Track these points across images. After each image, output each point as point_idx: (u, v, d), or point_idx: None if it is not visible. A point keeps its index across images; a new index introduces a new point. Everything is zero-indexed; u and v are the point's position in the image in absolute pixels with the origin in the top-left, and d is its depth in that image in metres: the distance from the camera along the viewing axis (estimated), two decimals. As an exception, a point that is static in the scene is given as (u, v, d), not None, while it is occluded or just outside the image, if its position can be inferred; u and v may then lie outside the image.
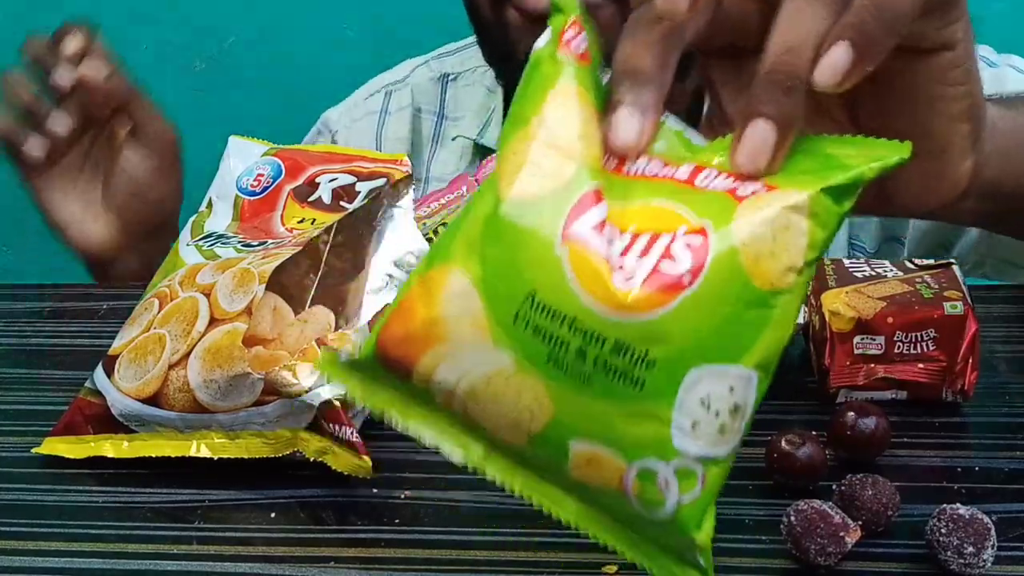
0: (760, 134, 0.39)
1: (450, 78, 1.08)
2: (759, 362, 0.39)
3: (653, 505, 0.40)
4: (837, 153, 0.40)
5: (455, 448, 0.42)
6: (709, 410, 0.39)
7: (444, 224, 0.77)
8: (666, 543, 0.42)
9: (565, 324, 0.38)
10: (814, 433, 0.58)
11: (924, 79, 0.44)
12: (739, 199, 0.39)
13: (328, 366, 0.43)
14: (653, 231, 0.38)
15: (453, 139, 1.04)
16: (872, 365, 0.65)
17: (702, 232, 0.38)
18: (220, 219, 0.75)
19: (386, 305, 0.41)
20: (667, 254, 0.38)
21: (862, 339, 0.65)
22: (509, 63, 0.92)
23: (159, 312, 0.65)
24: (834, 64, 0.39)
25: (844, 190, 0.39)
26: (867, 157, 0.39)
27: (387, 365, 0.41)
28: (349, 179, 0.74)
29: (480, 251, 0.39)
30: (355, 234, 0.68)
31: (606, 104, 0.41)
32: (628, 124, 0.41)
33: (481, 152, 1.02)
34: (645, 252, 0.38)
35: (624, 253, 0.38)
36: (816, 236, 0.39)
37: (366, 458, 0.58)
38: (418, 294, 0.40)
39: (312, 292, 0.64)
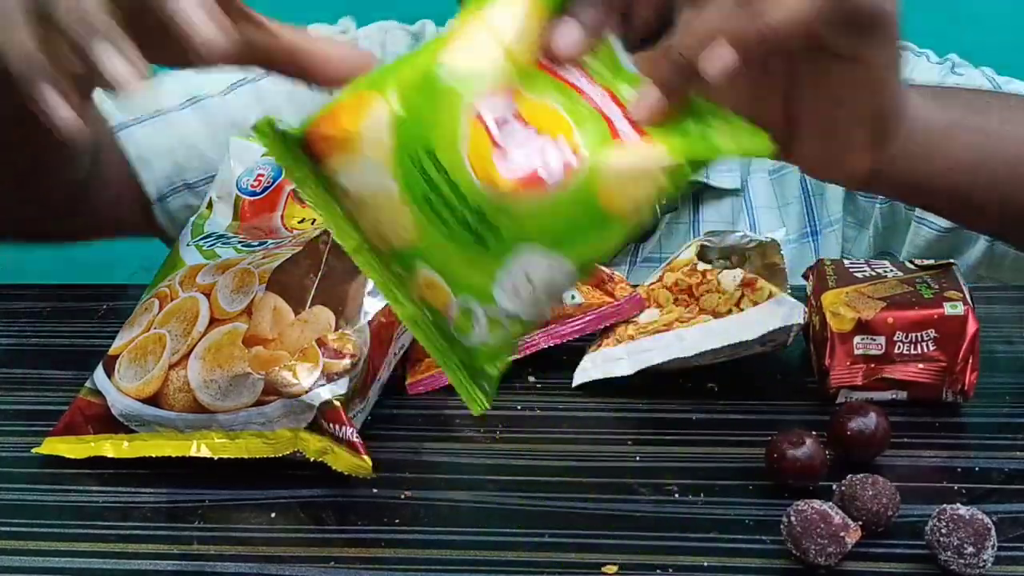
0: (651, 94, 0.47)
1: None
2: (580, 262, 0.48)
3: (464, 332, 0.51)
4: (712, 128, 0.47)
5: (337, 232, 0.51)
6: (529, 282, 0.48)
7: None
8: (469, 364, 0.53)
9: (446, 181, 0.46)
10: (814, 433, 0.58)
11: (833, 80, 0.51)
12: (617, 136, 0.46)
13: (264, 128, 0.49)
14: (544, 132, 0.46)
15: None
16: (872, 365, 0.65)
17: (576, 151, 0.46)
18: (220, 219, 0.75)
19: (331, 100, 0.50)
20: (543, 159, 0.45)
21: (862, 339, 0.65)
22: None
23: (159, 312, 0.65)
24: (715, 59, 0.46)
25: (703, 163, 0.48)
26: (734, 141, 0.47)
27: (306, 149, 0.49)
28: (349, 179, 0.75)
29: (406, 95, 0.47)
30: (355, 234, 0.68)
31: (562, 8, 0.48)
32: (569, 35, 0.47)
33: None
34: (530, 151, 0.46)
35: (514, 144, 0.46)
36: (666, 189, 0.46)
37: (366, 458, 0.58)
38: (348, 106, 0.48)
39: (312, 292, 0.64)
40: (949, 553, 0.50)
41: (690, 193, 1.00)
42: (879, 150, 0.53)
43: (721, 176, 0.93)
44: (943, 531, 0.50)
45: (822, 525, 0.51)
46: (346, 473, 0.59)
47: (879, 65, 0.50)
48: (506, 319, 0.49)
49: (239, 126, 0.94)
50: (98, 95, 0.56)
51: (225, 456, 0.61)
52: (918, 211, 0.90)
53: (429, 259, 0.49)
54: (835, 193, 0.94)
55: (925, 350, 0.64)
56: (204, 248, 0.70)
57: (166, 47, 0.50)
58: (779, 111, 0.53)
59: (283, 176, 0.75)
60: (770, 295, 0.69)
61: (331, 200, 0.50)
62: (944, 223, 0.88)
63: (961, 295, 0.65)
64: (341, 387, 0.60)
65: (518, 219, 0.46)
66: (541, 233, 0.47)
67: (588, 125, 0.46)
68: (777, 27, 0.46)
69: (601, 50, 0.48)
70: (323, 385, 0.60)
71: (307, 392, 0.60)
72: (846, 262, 0.71)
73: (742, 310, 0.69)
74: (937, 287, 0.66)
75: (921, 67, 0.95)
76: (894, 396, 0.66)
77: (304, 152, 0.49)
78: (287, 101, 0.96)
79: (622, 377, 0.69)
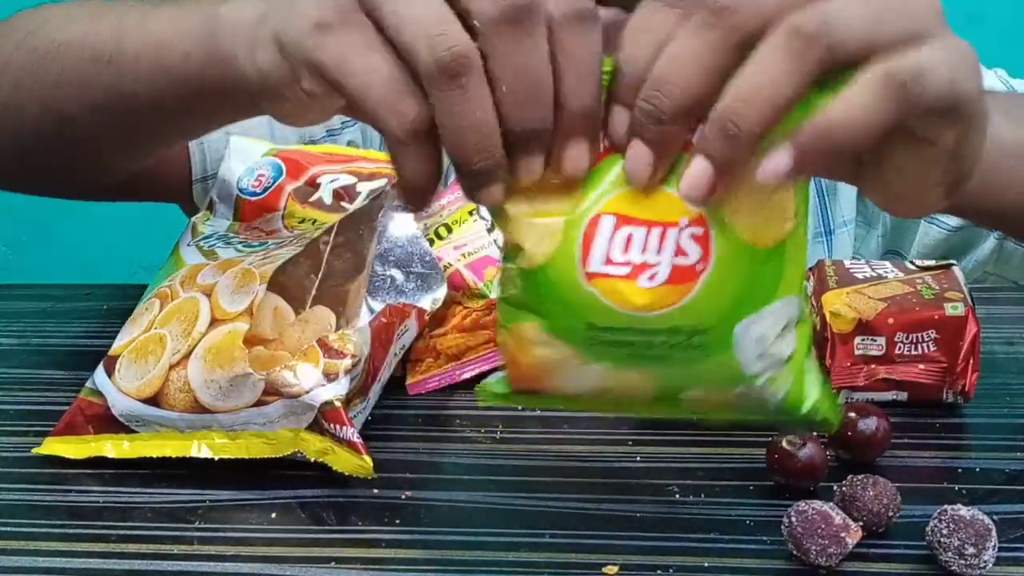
0: (700, 169, 0.43)
1: None
2: (789, 291, 0.46)
3: (761, 407, 0.48)
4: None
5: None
6: (765, 341, 0.46)
7: (445, 224, 0.77)
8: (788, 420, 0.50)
9: (625, 333, 0.45)
10: (815, 434, 0.58)
11: (909, 158, 0.45)
12: None
13: (489, 396, 0.50)
14: (663, 223, 0.44)
15: None
16: (873, 366, 0.65)
17: (701, 222, 0.44)
18: (221, 220, 0.75)
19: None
20: (678, 250, 0.44)
21: (863, 340, 0.65)
22: None
23: (160, 312, 0.65)
24: (775, 163, 0.42)
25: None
26: None
27: (526, 395, 0.49)
28: (350, 179, 0.75)
29: (537, 309, 0.46)
30: (356, 235, 0.68)
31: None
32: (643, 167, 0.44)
33: None
34: (660, 249, 0.44)
35: (644, 251, 0.44)
36: (801, 186, 0.45)
37: (367, 458, 0.58)
38: (514, 347, 0.48)
39: (313, 292, 0.64)
40: (950, 554, 0.50)
41: None
42: (955, 192, 0.48)
43: None
44: (944, 532, 0.50)
45: (823, 526, 0.51)
46: (346, 473, 0.59)
47: (961, 147, 0.45)
48: (778, 367, 0.47)
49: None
50: None
51: (225, 456, 0.61)
52: None
53: (683, 387, 0.47)
54: (848, 193, 0.94)
55: (926, 351, 0.64)
56: (204, 248, 0.70)
57: None
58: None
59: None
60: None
61: (578, 400, 0.49)
62: (954, 221, 0.88)
63: (962, 296, 0.65)
64: (341, 387, 0.60)
65: (701, 312, 0.45)
66: (732, 307, 0.45)
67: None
68: (845, 131, 0.42)
69: None
70: (323, 385, 0.60)
71: (307, 392, 0.60)
72: (846, 263, 0.71)
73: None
74: (938, 288, 0.66)
75: None
76: (895, 397, 0.66)
77: (528, 397, 0.50)
78: None
79: (622, 377, 0.69)
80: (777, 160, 0.42)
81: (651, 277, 0.44)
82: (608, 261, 0.44)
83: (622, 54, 0.44)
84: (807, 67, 0.41)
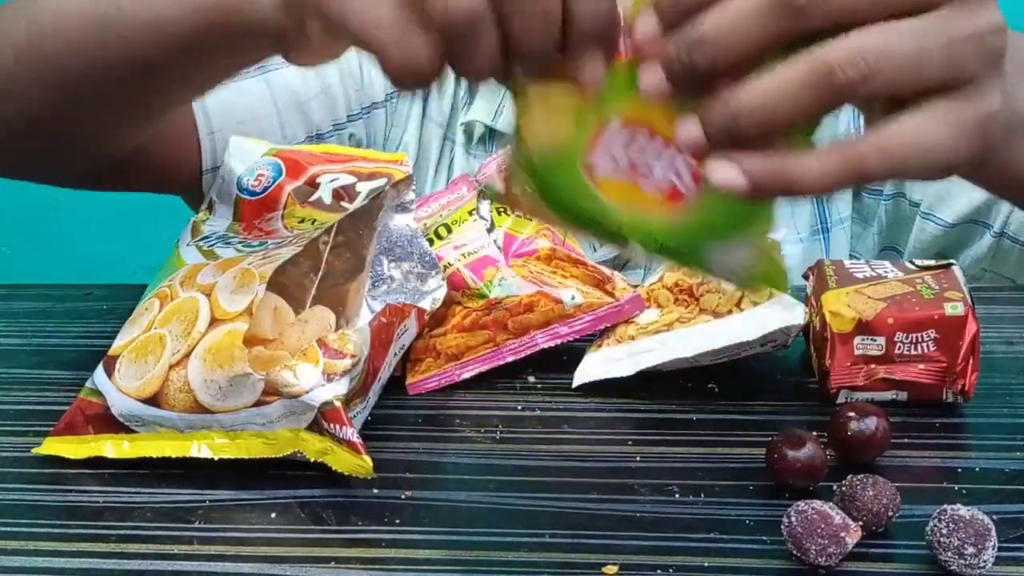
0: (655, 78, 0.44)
1: None
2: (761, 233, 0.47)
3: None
4: None
5: None
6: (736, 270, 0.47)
7: (445, 224, 0.77)
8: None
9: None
10: (814, 434, 0.58)
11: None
12: None
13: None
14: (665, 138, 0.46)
15: (463, 125, 1.02)
16: (872, 366, 0.65)
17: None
18: (221, 219, 0.75)
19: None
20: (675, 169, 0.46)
21: (863, 340, 0.65)
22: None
23: (159, 312, 0.65)
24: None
25: None
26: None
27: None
28: (350, 179, 0.75)
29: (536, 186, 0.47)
30: (355, 234, 0.68)
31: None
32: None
33: (493, 135, 1.01)
34: (666, 165, 0.46)
35: (650, 160, 0.46)
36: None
37: (367, 458, 0.58)
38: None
39: (313, 292, 0.64)
40: (949, 553, 0.50)
41: None
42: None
43: None
44: (943, 531, 0.50)
45: (822, 525, 0.51)
46: (346, 473, 0.59)
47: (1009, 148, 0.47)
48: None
49: (299, 101, 0.93)
50: None
51: (225, 456, 0.61)
52: (923, 207, 0.90)
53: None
54: (844, 191, 0.94)
55: (925, 350, 0.64)
56: (204, 248, 0.70)
57: None
58: None
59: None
60: (770, 295, 0.69)
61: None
62: (950, 218, 0.88)
63: (961, 295, 0.65)
64: (341, 387, 0.60)
65: (689, 231, 0.46)
66: (712, 232, 0.46)
67: None
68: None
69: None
70: (323, 385, 0.60)
71: (307, 392, 0.60)
72: (846, 263, 0.71)
73: (742, 310, 0.69)
74: (937, 287, 0.66)
75: None
76: (894, 396, 0.66)
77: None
78: (339, 80, 0.96)
79: (622, 377, 0.69)
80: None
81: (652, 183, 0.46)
82: (612, 159, 0.45)
83: None
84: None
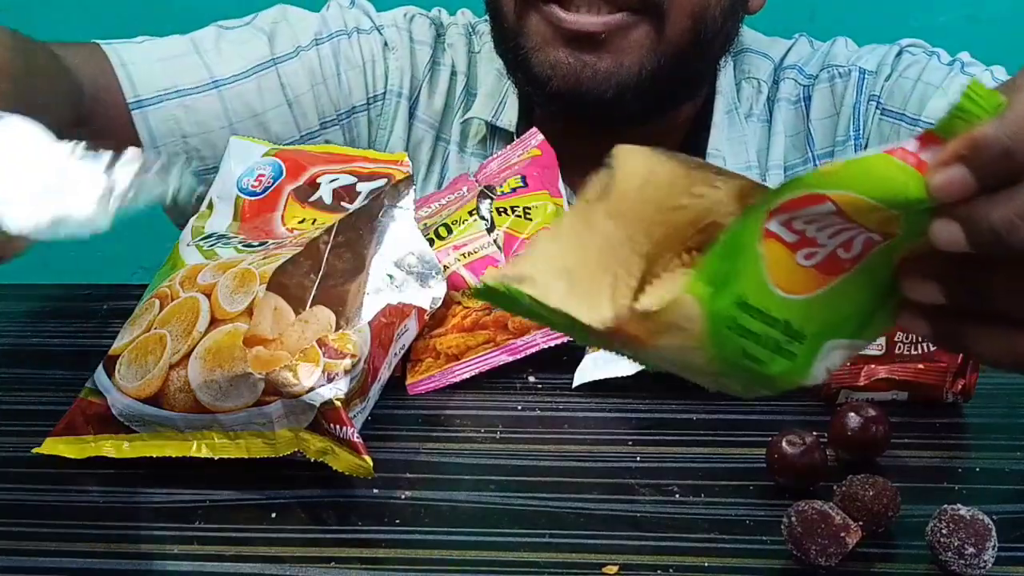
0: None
1: (476, 31, 1.04)
2: (876, 335, 0.45)
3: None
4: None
5: None
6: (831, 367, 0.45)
7: (445, 224, 0.77)
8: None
9: (760, 318, 0.43)
10: (815, 434, 0.58)
11: None
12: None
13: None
14: (846, 220, 0.41)
15: (462, 123, 1.02)
16: (873, 366, 0.65)
17: (889, 236, 0.41)
18: (221, 219, 0.75)
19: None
20: (847, 244, 0.41)
21: (863, 340, 0.65)
22: (524, 73, 0.91)
23: (160, 312, 0.65)
24: None
25: None
26: None
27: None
28: (350, 179, 0.75)
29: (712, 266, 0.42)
30: (356, 234, 0.68)
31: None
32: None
33: (494, 133, 1.01)
34: (835, 235, 0.41)
35: (822, 229, 0.41)
36: None
37: (367, 458, 0.58)
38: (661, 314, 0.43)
39: (313, 292, 0.64)
40: (950, 553, 0.50)
41: None
42: None
43: None
44: (944, 531, 0.50)
45: (823, 525, 0.51)
46: (346, 473, 0.59)
47: None
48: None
49: (257, 117, 0.93)
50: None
51: (225, 456, 0.61)
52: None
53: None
54: None
55: (926, 350, 0.64)
56: (204, 248, 0.70)
57: None
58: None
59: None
60: None
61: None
62: None
63: (961, 295, 0.65)
64: (341, 387, 0.60)
65: (820, 312, 0.43)
66: (843, 322, 0.43)
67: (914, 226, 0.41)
68: None
69: None
70: (323, 385, 0.60)
71: (307, 392, 0.59)
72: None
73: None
74: (937, 287, 0.66)
75: (932, 68, 0.95)
76: (894, 396, 0.66)
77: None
78: (309, 88, 0.96)
79: (622, 377, 0.69)
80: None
81: (808, 256, 0.42)
82: (787, 224, 0.41)
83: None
84: None
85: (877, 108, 0.97)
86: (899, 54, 0.99)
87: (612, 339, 0.44)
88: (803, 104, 1.01)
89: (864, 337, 0.45)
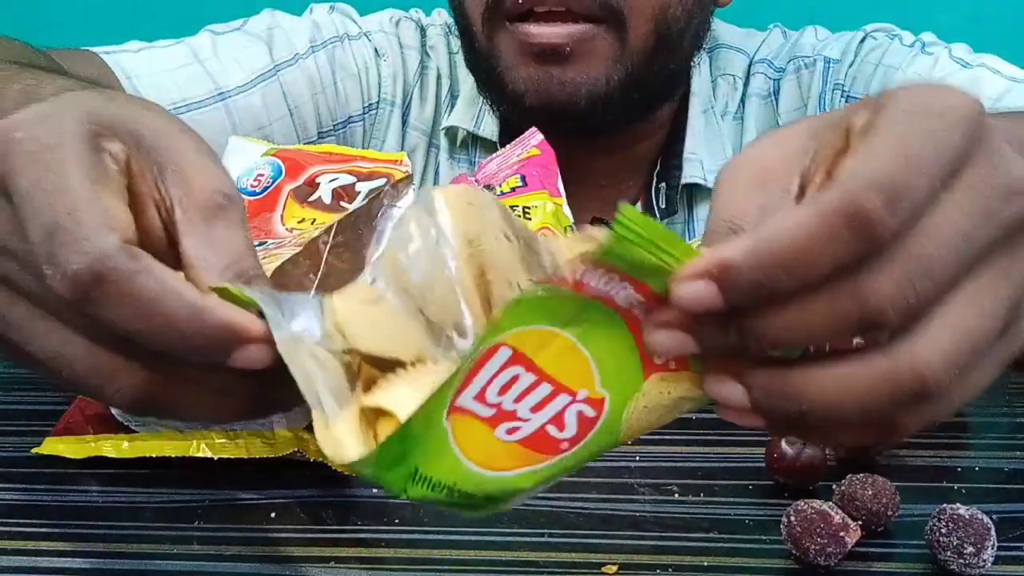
0: (683, 344, 0.37)
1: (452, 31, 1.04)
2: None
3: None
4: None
5: None
6: None
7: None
8: None
9: (445, 489, 0.38)
10: (814, 433, 0.58)
11: None
12: (650, 370, 0.38)
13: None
14: (556, 383, 0.37)
15: (445, 129, 1.02)
16: (872, 365, 0.65)
17: (599, 404, 0.38)
18: (220, 219, 0.75)
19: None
20: (556, 419, 0.38)
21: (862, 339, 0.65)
22: (499, 92, 0.91)
23: (159, 312, 0.65)
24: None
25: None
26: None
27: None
28: (349, 179, 0.75)
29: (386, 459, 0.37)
30: (355, 234, 0.68)
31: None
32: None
33: (476, 141, 1.00)
34: (538, 407, 0.37)
35: (519, 399, 0.37)
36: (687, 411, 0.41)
37: (366, 458, 0.58)
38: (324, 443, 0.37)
39: (312, 292, 0.64)
40: (949, 553, 0.50)
41: (684, 194, 1.01)
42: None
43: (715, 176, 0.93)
44: (943, 531, 0.50)
45: (822, 525, 0.51)
46: (346, 473, 0.59)
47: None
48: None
49: (263, 129, 0.93)
50: None
51: (225, 456, 0.61)
52: None
53: None
54: None
55: (925, 350, 0.64)
56: (204, 248, 0.70)
57: None
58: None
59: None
60: None
61: None
62: None
63: (961, 295, 0.65)
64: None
65: (523, 491, 0.39)
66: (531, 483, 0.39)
67: (611, 361, 0.38)
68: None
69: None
70: (323, 385, 0.60)
71: (307, 392, 0.59)
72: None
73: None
74: (937, 287, 0.66)
75: (893, 50, 0.95)
76: (894, 396, 0.66)
77: None
78: (310, 98, 0.95)
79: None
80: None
81: (511, 430, 0.38)
82: (480, 397, 0.37)
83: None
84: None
85: (843, 96, 0.97)
86: (863, 40, 0.99)
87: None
88: (773, 99, 1.01)
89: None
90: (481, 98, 0.98)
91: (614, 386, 0.38)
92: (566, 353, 0.37)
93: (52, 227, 0.36)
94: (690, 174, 0.97)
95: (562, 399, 0.37)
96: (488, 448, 0.38)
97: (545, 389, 0.37)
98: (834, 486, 0.55)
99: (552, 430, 0.38)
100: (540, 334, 0.36)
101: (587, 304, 0.36)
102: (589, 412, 0.38)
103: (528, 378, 0.37)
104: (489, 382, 0.37)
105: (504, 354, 0.36)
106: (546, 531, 0.56)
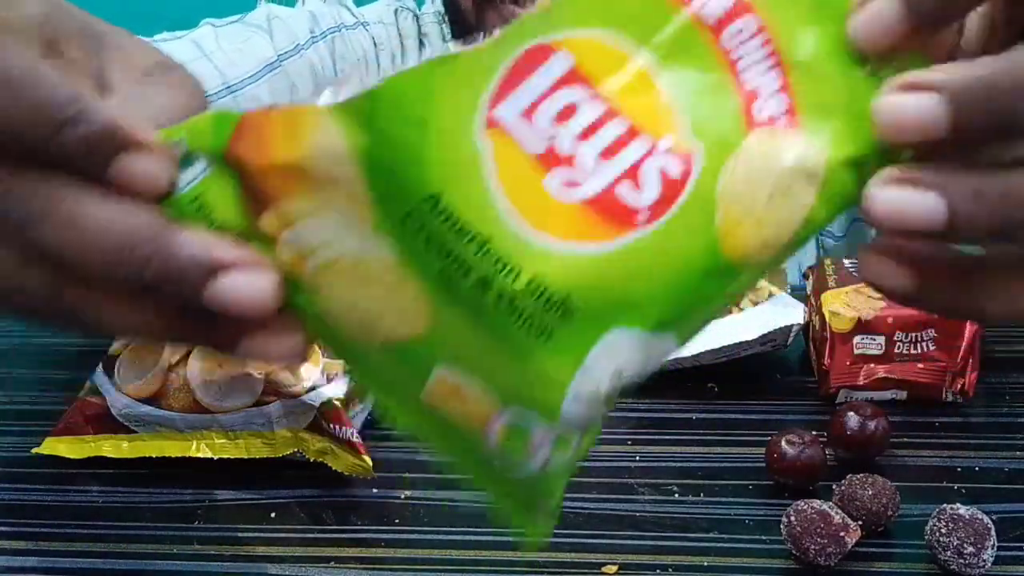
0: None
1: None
2: (687, 336, 0.29)
3: (513, 460, 0.30)
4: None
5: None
6: (614, 381, 0.28)
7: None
8: (510, 491, 0.33)
9: (473, 243, 0.27)
10: (814, 433, 0.58)
11: None
12: (753, 124, 0.28)
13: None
14: (632, 122, 0.27)
15: None
16: (872, 365, 0.65)
17: (687, 158, 0.27)
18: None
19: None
20: (631, 173, 0.27)
21: (862, 339, 0.65)
22: None
23: (159, 312, 0.65)
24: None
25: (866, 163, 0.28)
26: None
27: (240, 176, 0.28)
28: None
29: (368, 116, 0.26)
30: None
31: None
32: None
33: None
34: (608, 152, 0.27)
35: (582, 136, 0.27)
36: (817, 215, 0.28)
37: (366, 458, 0.58)
38: (281, 120, 0.26)
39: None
40: (949, 553, 0.50)
41: None
42: None
43: None
44: (943, 531, 0.50)
45: (822, 525, 0.51)
46: (346, 473, 0.59)
47: None
48: (578, 434, 0.30)
49: None
50: None
51: (225, 456, 0.61)
52: None
53: (453, 358, 0.29)
54: None
55: (925, 350, 0.64)
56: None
57: None
58: None
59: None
60: (770, 295, 0.69)
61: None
62: None
63: (961, 295, 0.65)
64: (341, 387, 0.60)
65: (596, 282, 0.27)
66: (633, 303, 0.27)
67: (707, 109, 0.28)
68: None
69: None
70: (323, 385, 0.60)
71: (307, 392, 0.60)
72: (846, 262, 0.71)
73: (742, 310, 0.69)
74: (937, 287, 0.66)
75: None
76: (894, 396, 0.66)
77: (233, 178, 0.28)
78: (314, 89, 0.95)
79: (622, 377, 0.69)
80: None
81: (569, 183, 0.27)
82: (527, 114, 0.27)
83: None
84: None
85: None
86: None
87: None
88: None
89: (677, 336, 0.29)
90: None
91: (708, 135, 0.28)
92: (643, 81, 0.27)
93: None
94: None
95: (639, 145, 0.27)
96: (537, 199, 0.27)
97: (618, 126, 0.27)
98: (834, 486, 0.55)
99: (625, 191, 0.27)
100: (606, 50, 0.27)
101: (679, 22, 0.27)
102: (674, 169, 0.27)
103: (594, 108, 0.27)
104: (541, 99, 0.27)
105: (562, 62, 0.27)
106: (546, 531, 0.56)
